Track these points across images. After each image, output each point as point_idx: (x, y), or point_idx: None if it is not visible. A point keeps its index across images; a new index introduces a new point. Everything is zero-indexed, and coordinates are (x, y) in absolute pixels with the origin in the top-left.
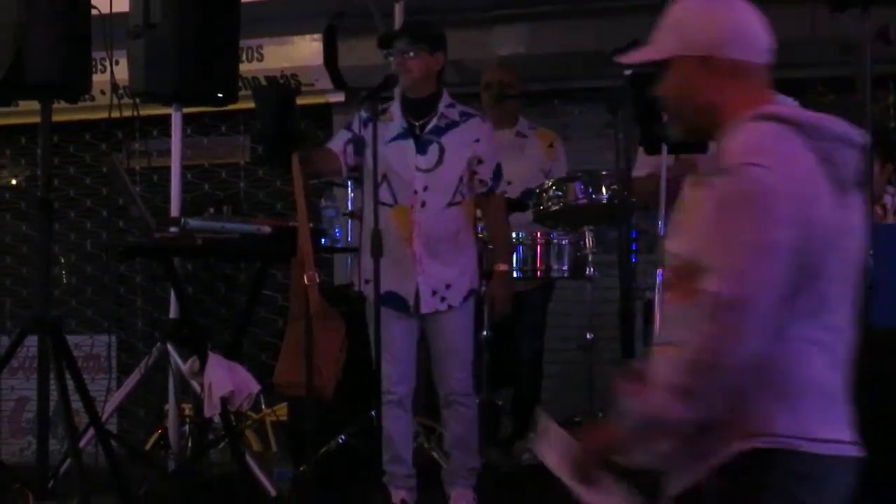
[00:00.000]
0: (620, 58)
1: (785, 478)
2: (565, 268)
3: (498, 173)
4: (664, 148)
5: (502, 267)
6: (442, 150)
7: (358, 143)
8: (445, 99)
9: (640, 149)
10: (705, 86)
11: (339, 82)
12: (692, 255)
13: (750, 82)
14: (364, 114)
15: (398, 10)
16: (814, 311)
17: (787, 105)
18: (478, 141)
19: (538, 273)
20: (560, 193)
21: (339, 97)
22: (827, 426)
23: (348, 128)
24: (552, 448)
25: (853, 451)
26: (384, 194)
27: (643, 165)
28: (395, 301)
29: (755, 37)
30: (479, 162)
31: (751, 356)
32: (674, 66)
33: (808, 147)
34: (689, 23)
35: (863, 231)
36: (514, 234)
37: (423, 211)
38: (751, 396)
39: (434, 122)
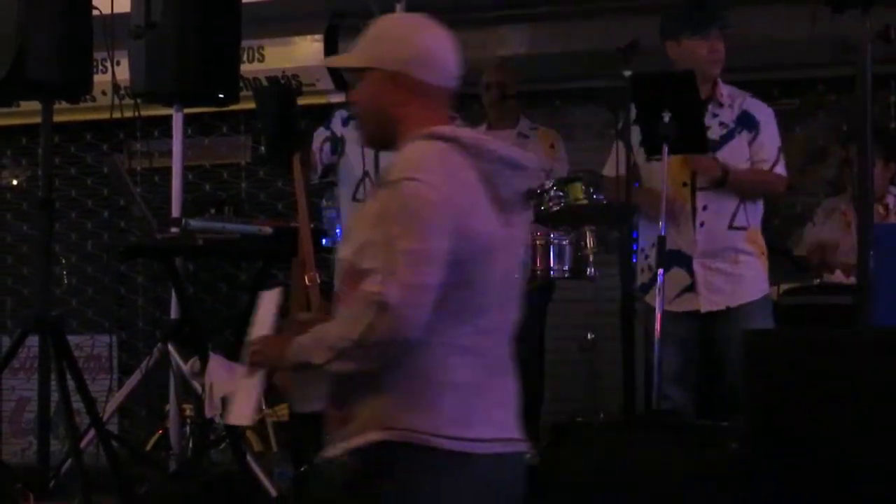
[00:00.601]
0: (325, 60)
1: (411, 470)
2: (566, 268)
3: None
4: (664, 148)
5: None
6: None
7: (335, 143)
8: None
9: (613, 147)
10: (392, 100)
11: (340, 83)
12: (357, 260)
13: (433, 103)
14: (345, 112)
15: (399, 9)
16: (465, 316)
17: (458, 128)
18: None
19: (538, 273)
20: (561, 193)
21: (340, 97)
22: (465, 425)
23: (326, 126)
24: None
25: (499, 449)
26: (363, 192)
27: (612, 165)
28: None
29: (444, 62)
30: None
31: (399, 354)
32: (367, 77)
33: (470, 166)
34: (387, 39)
35: (524, 247)
36: None
37: None
38: (390, 392)
39: None
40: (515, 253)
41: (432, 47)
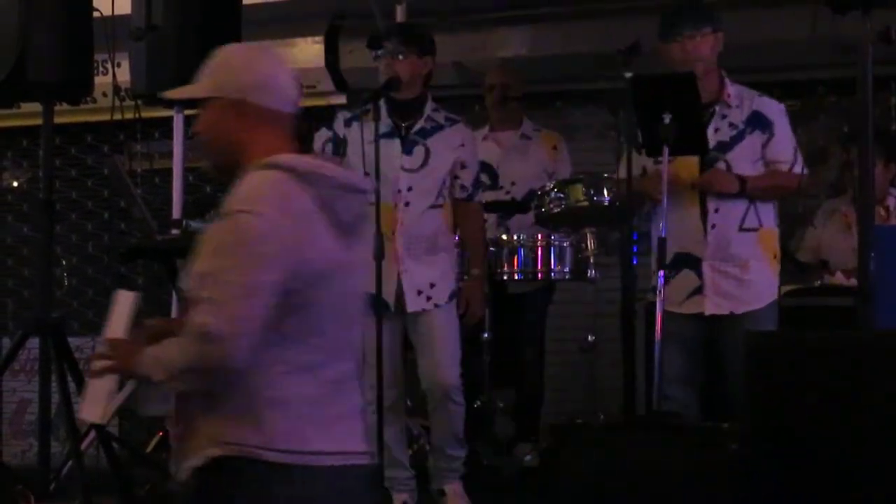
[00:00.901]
0: (167, 93)
1: (247, 483)
2: (567, 269)
3: (477, 182)
4: (665, 149)
5: (476, 271)
6: (427, 153)
7: (337, 143)
8: (431, 103)
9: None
10: (235, 127)
11: (340, 84)
12: (196, 288)
13: (275, 128)
14: (348, 113)
15: (400, 11)
16: (300, 337)
17: (295, 156)
18: (462, 146)
19: (539, 275)
20: (562, 195)
21: (340, 99)
22: (301, 439)
23: (328, 127)
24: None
25: (341, 462)
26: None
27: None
28: (383, 305)
29: (285, 87)
30: (463, 167)
31: (230, 378)
32: (210, 105)
33: (307, 193)
34: (228, 68)
35: (364, 269)
36: (515, 237)
37: (405, 210)
38: (225, 409)
39: (420, 123)
40: (356, 274)
41: (272, 73)
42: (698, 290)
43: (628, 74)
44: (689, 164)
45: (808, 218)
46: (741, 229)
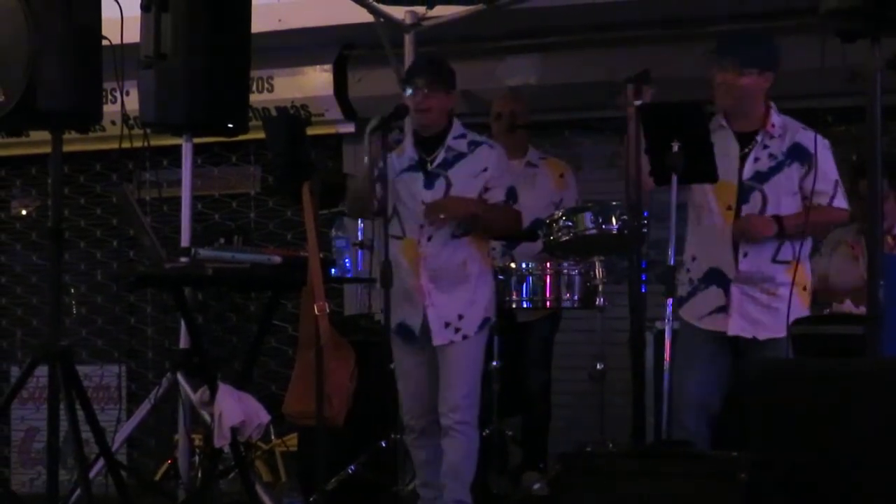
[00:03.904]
0: None
1: None
2: (575, 298)
3: (512, 195)
4: (674, 178)
5: (479, 208)
6: (448, 185)
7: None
8: (455, 130)
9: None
10: None
11: (349, 113)
12: None
13: None
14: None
15: (408, 40)
16: None
17: None
18: (486, 170)
19: (548, 303)
20: (570, 224)
21: (349, 128)
22: None
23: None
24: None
25: None
26: (394, 227)
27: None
28: (405, 332)
29: None
30: (487, 189)
31: None
32: None
33: None
34: None
35: None
36: (523, 265)
37: (428, 244)
38: None
39: (441, 155)
40: None
41: None
42: (722, 309)
43: (637, 103)
44: (726, 189)
45: (817, 248)
46: (774, 261)
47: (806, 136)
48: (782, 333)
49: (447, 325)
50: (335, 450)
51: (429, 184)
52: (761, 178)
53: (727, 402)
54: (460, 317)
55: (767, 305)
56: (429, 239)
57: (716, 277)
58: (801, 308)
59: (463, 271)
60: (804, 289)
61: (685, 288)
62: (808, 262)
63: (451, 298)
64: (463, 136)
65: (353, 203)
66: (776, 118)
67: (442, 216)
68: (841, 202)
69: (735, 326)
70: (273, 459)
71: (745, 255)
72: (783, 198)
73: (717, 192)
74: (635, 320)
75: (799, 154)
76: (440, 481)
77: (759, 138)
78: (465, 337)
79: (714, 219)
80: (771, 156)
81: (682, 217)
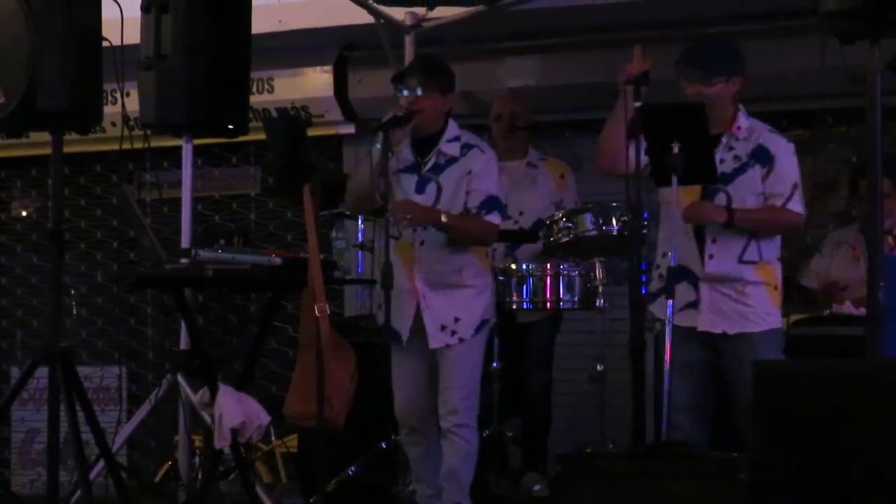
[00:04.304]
0: None
1: None
2: (575, 299)
3: (492, 204)
4: (674, 179)
5: (445, 217)
6: (439, 189)
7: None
8: (450, 132)
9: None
10: None
11: (349, 114)
12: None
13: None
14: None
15: (408, 41)
16: None
17: None
18: (470, 173)
19: (548, 304)
20: (570, 225)
21: (349, 129)
22: None
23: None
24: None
25: None
26: (393, 227)
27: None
28: (393, 334)
29: None
30: (468, 193)
31: None
32: None
33: None
34: None
35: None
36: (523, 266)
37: (421, 248)
38: None
39: (433, 160)
40: None
41: None
42: (693, 305)
43: (637, 104)
44: (691, 191)
45: (817, 248)
46: (741, 261)
47: (769, 139)
48: (754, 329)
49: (443, 328)
50: (335, 451)
51: (420, 188)
52: (725, 179)
53: (722, 403)
54: (456, 319)
55: (737, 301)
56: (421, 243)
57: (683, 274)
58: (771, 306)
59: (460, 275)
60: (774, 288)
61: (656, 284)
62: (779, 264)
63: (446, 301)
64: (457, 138)
65: (353, 196)
66: (743, 121)
67: (409, 217)
68: (796, 205)
69: (704, 321)
70: (273, 460)
71: (711, 256)
72: (747, 198)
73: (683, 192)
74: (635, 321)
75: (761, 156)
76: (436, 480)
77: (724, 140)
78: (461, 340)
79: (679, 217)
80: (736, 157)
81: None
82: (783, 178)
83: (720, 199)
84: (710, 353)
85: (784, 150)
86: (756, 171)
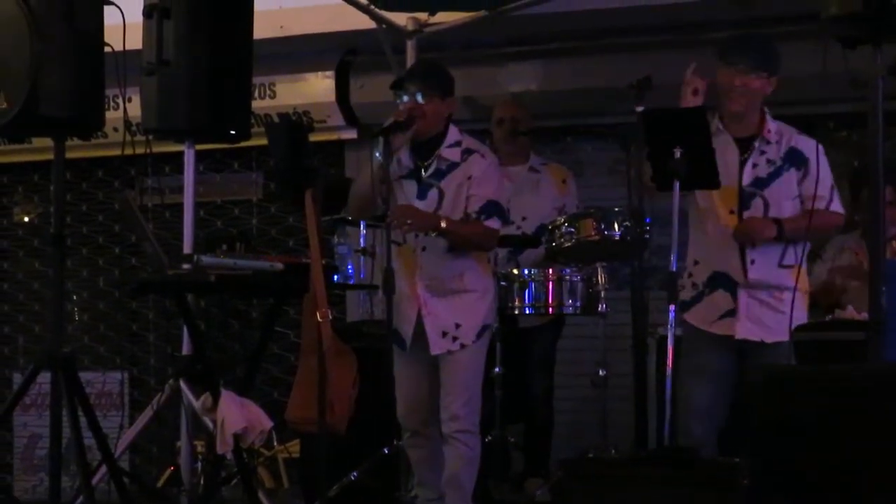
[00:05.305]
0: None
1: None
2: (578, 304)
3: (492, 209)
4: (676, 184)
5: (445, 222)
6: (441, 195)
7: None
8: (451, 137)
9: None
10: None
11: (351, 119)
12: None
13: None
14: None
15: (410, 46)
16: None
17: None
18: (470, 178)
19: (550, 309)
20: (572, 230)
21: (351, 134)
22: None
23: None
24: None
25: None
26: (394, 233)
27: None
28: (396, 339)
29: None
30: (468, 199)
31: None
32: None
33: None
34: None
35: None
36: (526, 271)
37: (423, 254)
38: None
39: (434, 165)
40: None
41: None
42: (731, 313)
43: (639, 109)
44: (727, 193)
45: (818, 254)
46: (781, 266)
47: (802, 141)
48: (787, 337)
49: (444, 334)
50: (337, 456)
51: (421, 194)
52: (761, 183)
53: (732, 410)
54: (457, 325)
55: (775, 309)
56: (423, 249)
57: (722, 281)
58: (803, 312)
59: (461, 281)
60: (805, 293)
61: (689, 292)
62: (806, 266)
63: (448, 307)
64: (458, 143)
65: (354, 202)
66: (772, 124)
67: (409, 222)
68: (837, 206)
69: (743, 330)
70: (275, 466)
71: (753, 262)
72: (784, 202)
73: (720, 197)
74: (638, 326)
75: (795, 159)
76: (438, 484)
77: (756, 144)
78: (462, 345)
79: (718, 223)
80: (769, 161)
81: (683, 222)
82: (822, 181)
83: (757, 204)
84: (735, 359)
85: (817, 152)
86: (792, 175)
